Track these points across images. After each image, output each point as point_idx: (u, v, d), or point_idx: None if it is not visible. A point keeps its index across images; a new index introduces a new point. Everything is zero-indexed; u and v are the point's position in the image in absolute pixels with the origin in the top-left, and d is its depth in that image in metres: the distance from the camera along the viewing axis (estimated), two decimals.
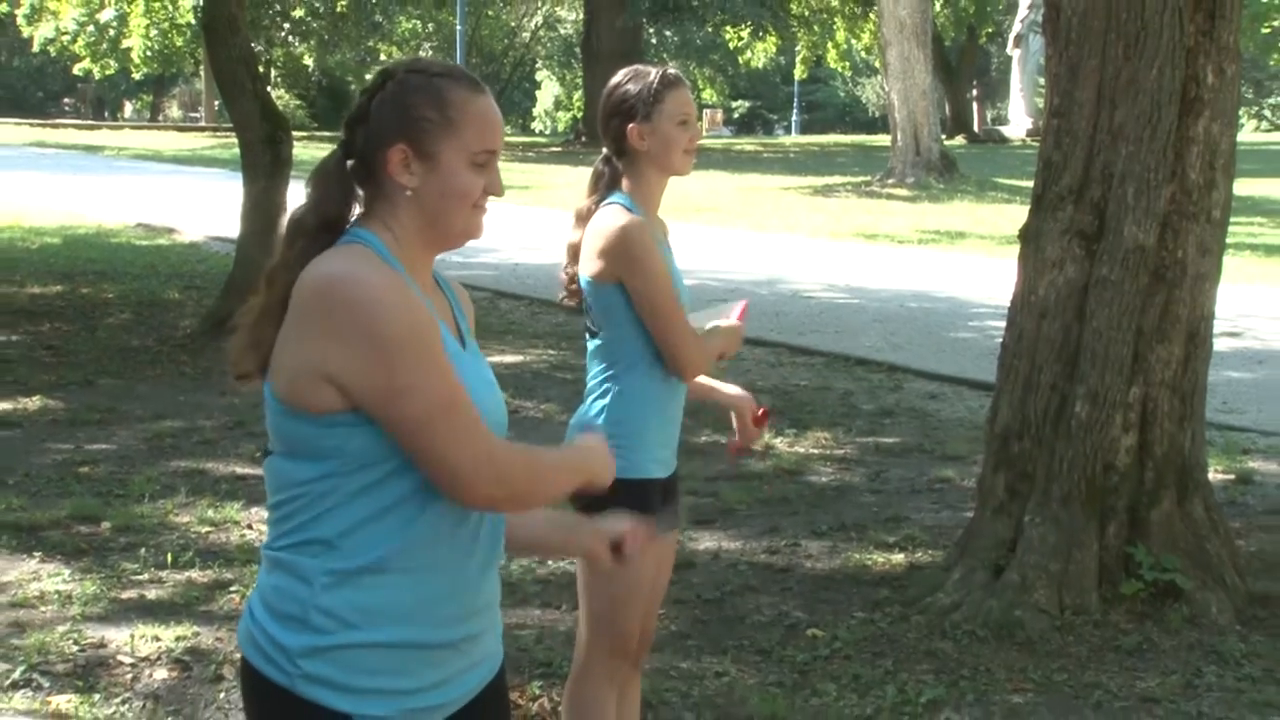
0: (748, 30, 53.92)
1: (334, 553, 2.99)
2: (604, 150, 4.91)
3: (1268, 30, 53.10)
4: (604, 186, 4.84)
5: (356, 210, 3.19)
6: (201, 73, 53.09)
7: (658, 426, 4.81)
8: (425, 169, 3.09)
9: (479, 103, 3.14)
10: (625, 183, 4.81)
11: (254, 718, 3.19)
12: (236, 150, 15.34)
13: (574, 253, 4.88)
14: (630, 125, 4.76)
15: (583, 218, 4.86)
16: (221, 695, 6.45)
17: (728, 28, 54.51)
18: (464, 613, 3.12)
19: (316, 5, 47.76)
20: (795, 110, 71.81)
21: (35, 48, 50.01)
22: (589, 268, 4.78)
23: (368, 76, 57.84)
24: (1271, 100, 69.54)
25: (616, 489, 4.41)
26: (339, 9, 48.05)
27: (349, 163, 3.15)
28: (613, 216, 4.73)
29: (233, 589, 7.53)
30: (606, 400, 4.76)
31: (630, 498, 4.44)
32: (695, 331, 4.79)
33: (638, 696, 5.16)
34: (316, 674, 2.97)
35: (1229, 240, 7.68)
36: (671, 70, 4.99)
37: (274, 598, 3.08)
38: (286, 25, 48.21)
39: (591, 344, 4.83)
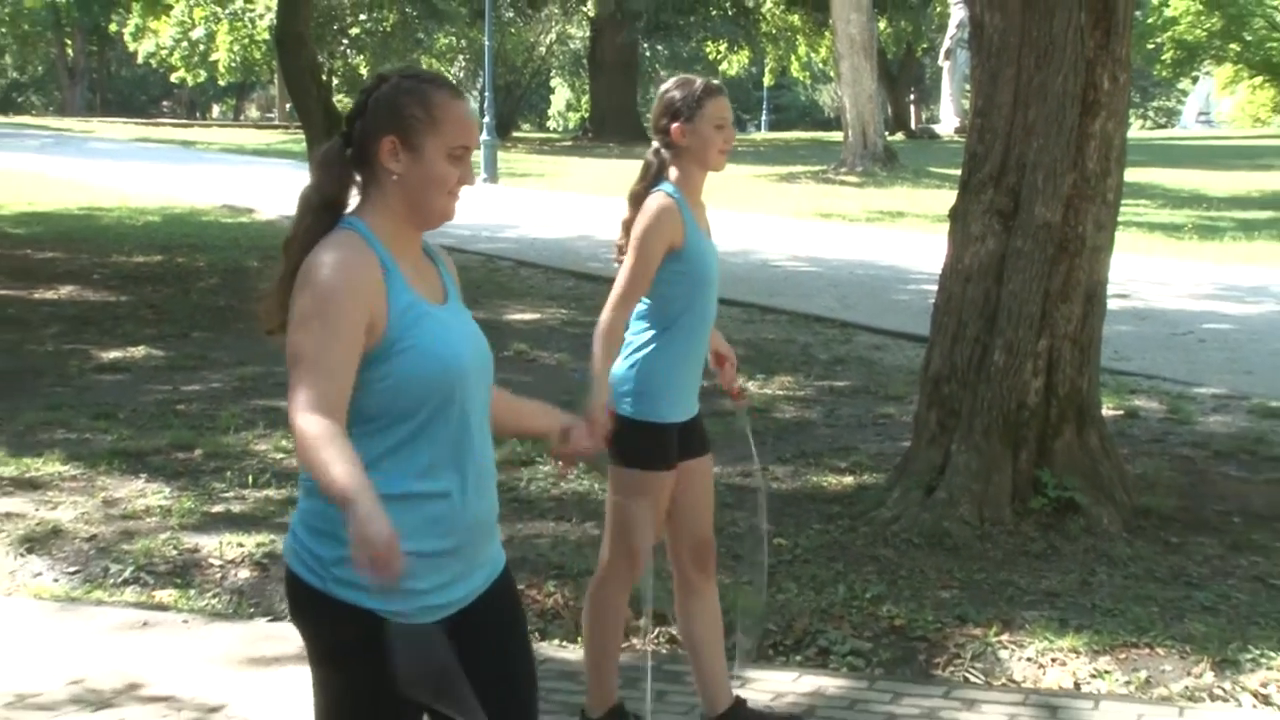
0: (725, 45, 54.00)
1: None
2: (654, 144, 4.88)
3: (1151, 46, 53.09)
4: (653, 175, 4.81)
5: (354, 194, 3.23)
6: (275, 80, 52.89)
7: (680, 381, 4.82)
8: (410, 159, 3.13)
9: (458, 106, 3.20)
10: (672, 172, 4.79)
11: (297, 618, 3.26)
12: (303, 143, 15.32)
13: (626, 228, 4.82)
14: (675, 124, 4.75)
15: (633, 200, 4.82)
16: None
17: (708, 43, 54.54)
18: (459, 528, 3.17)
19: (369, 24, 47.74)
20: (764, 111, 71.66)
21: (139, 60, 49.96)
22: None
23: None
24: (1155, 103, 69.40)
25: (637, 429, 4.47)
26: (387, 28, 48.01)
27: (348, 151, 3.19)
28: (656, 200, 4.72)
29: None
30: (641, 354, 4.75)
31: (649, 438, 4.64)
32: (622, 317, 4.77)
33: (716, 604, 5.13)
34: (346, 578, 3.00)
35: (1120, 218, 7.69)
36: (715, 81, 4.99)
37: (310, 517, 3.14)
38: (345, 40, 48.09)
39: (639, 306, 4.79)
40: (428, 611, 3.13)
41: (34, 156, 33.86)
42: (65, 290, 15.38)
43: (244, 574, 6.65)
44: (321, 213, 3.20)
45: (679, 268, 4.74)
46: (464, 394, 3.22)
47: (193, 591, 6.52)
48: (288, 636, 6.02)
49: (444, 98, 3.18)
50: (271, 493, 7.79)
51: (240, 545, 6.87)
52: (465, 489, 3.19)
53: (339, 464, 2.89)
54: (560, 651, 5.91)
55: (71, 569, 6.78)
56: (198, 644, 5.94)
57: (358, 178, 3.21)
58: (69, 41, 66.17)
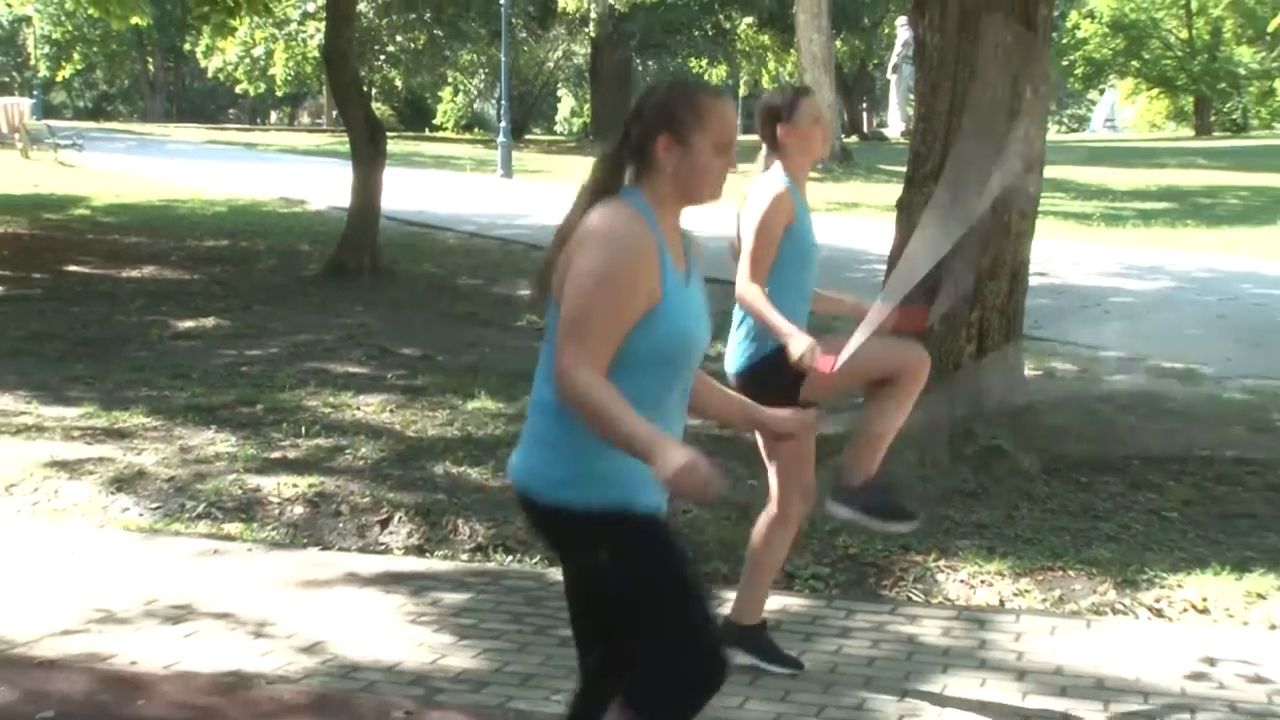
0: (706, 60, 53.97)
1: None
2: (763, 146, 4.87)
3: (1065, 63, 53.05)
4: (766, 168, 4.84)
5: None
6: (324, 91, 52.74)
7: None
8: (682, 153, 3.11)
9: (720, 106, 3.19)
10: (780, 164, 4.77)
11: (578, 536, 3.23)
12: (347, 145, 15.27)
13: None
14: (780, 126, 4.75)
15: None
16: (340, 524, 6.47)
17: (692, 59, 54.53)
18: None
19: (404, 43, 47.71)
20: (740, 116, 71.63)
21: (209, 74, 49.89)
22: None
23: (440, 92, 58.62)
24: (1068, 111, 69.36)
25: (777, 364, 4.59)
26: (419, 47, 47.97)
27: (624, 149, 3.17)
28: (774, 187, 4.70)
29: (347, 451, 7.54)
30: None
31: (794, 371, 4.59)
32: (754, 278, 4.70)
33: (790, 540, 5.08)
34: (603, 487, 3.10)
35: (1039, 209, 7.67)
36: (804, 86, 4.99)
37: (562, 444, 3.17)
38: (382, 56, 48.01)
39: None
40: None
41: (121, 156, 33.83)
42: (147, 270, 15.35)
43: (298, 510, 6.63)
44: (596, 199, 3.15)
45: (792, 242, 4.71)
46: (687, 366, 3.19)
47: (255, 525, 6.52)
48: (334, 563, 6.06)
49: (709, 100, 3.18)
50: (321, 441, 7.75)
51: (295, 485, 6.84)
52: (674, 425, 3.18)
53: (630, 418, 2.90)
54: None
55: (153, 505, 6.77)
56: (258, 569, 5.95)
57: (629, 170, 3.17)
58: (150, 59, 66.34)
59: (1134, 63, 57.20)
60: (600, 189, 3.14)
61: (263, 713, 4.50)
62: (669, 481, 2.83)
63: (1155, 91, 61.21)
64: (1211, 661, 4.95)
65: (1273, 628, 5.32)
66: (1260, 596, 5.49)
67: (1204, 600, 5.48)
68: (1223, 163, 35.50)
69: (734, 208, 4.88)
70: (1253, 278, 15.36)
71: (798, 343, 4.53)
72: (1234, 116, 58.89)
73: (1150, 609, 5.47)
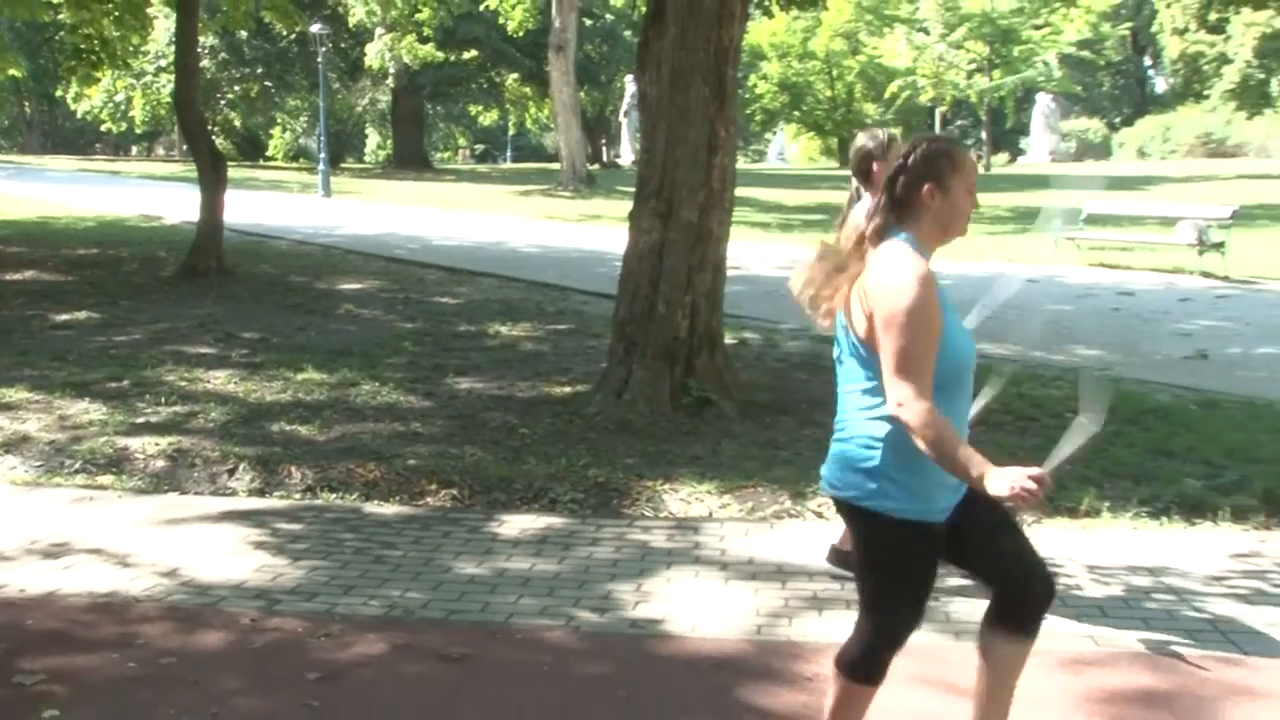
0: (482, 106, 53.57)
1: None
2: (853, 180, 4.77)
3: (748, 111, 54.11)
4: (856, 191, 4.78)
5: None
6: (176, 128, 50.35)
7: None
8: (943, 198, 2.92)
9: (968, 158, 3.01)
10: (870, 195, 4.57)
11: (879, 537, 3.00)
12: (195, 172, 14.56)
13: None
14: (875, 162, 4.61)
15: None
16: (195, 474, 6.16)
17: (471, 105, 54.05)
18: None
19: (240, 91, 45.92)
20: (509, 149, 71.05)
21: (79, 115, 46.99)
22: None
23: (272, 130, 56.68)
24: (752, 146, 70.69)
25: None
26: (253, 95, 46.27)
27: (889, 199, 2.97)
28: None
29: (199, 415, 7.18)
30: None
31: None
32: None
33: None
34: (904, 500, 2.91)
35: (733, 219, 7.74)
36: (893, 133, 4.81)
37: (893, 467, 2.93)
38: (223, 101, 46.09)
39: None
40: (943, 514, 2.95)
41: (3, 181, 31.80)
42: (28, 274, 14.37)
43: (160, 463, 6.26)
44: (875, 241, 2.95)
45: None
46: (969, 380, 2.98)
47: (124, 476, 6.13)
48: (190, 505, 5.76)
49: (961, 152, 3.00)
50: (178, 408, 7.36)
51: (157, 444, 6.46)
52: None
53: (963, 449, 2.74)
54: (379, 509, 5.72)
55: (36, 464, 6.31)
56: (126, 512, 5.61)
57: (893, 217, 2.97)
58: (27, 102, 62.39)
59: (796, 112, 58.65)
60: (876, 235, 2.95)
61: (132, 625, 4.25)
62: (1003, 496, 2.69)
63: (811, 134, 62.97)
64: None
65: None
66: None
67: None
68: None
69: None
70: None
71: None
72: None
73: (815, 513, 5.56)
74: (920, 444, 2.77)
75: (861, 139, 4.76)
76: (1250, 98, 38.31)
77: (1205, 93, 40.37)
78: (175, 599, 4.52)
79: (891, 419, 2.82)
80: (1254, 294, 13.62)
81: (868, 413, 2.92)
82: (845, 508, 3.04)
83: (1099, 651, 4.06)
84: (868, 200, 4.59)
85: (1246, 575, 4.79)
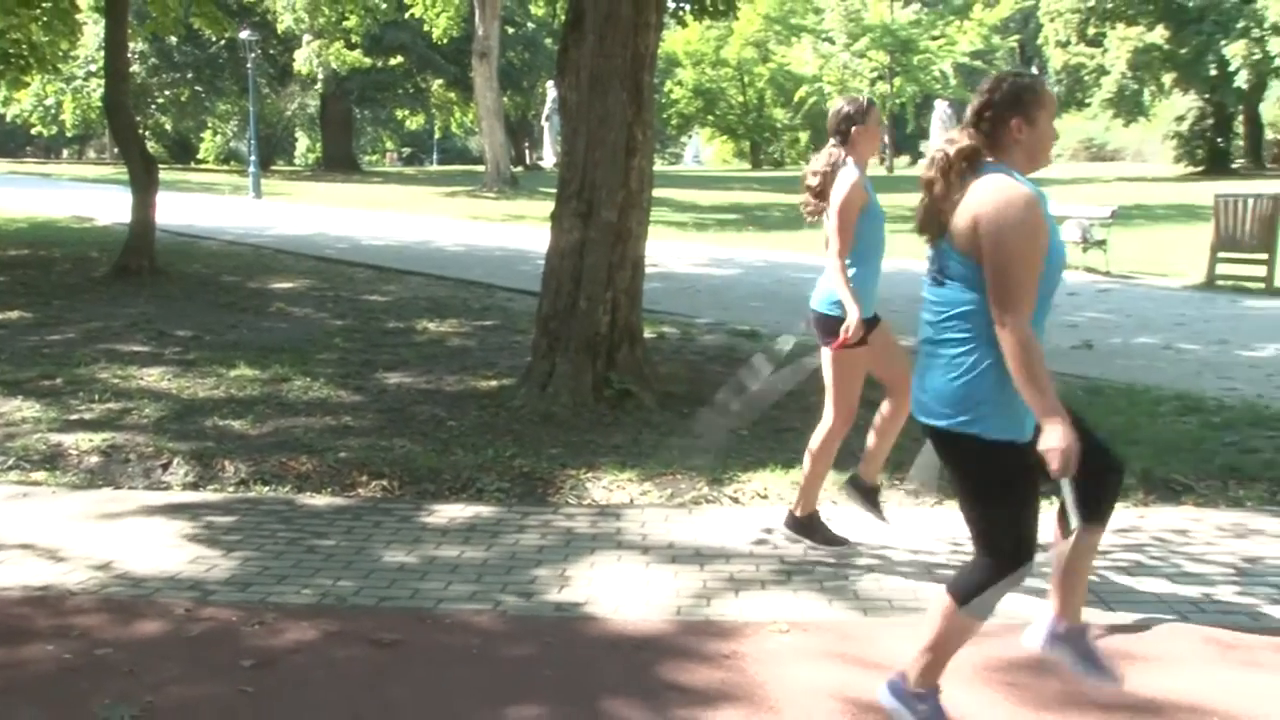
0: (408, 111, 52.97)
1: None
2: (831, 140, 4.59)
3: (664, 116, 54.14)
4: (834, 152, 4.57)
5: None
6: (107, 132, 49.13)
7: (868, 292, 4.63)
8: (1030, 130, 2.96)
9: (1049, 92, 3.03)
10: (850, 158, 4.52)
11: (977, 457, 3.02)
12: (126, 175, 14.19)
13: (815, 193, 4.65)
14: (854, 126, 4.51)
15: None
16: (129, 469, 6.01)
17: (397, 110, 53.42)
18: None
19: (171, 95, 44.88)
20: (435, 152, 70.36)
21: (9, 119, 45.48)
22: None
23: (203, 133, 55.52)
24: (669, 149, 70.81)
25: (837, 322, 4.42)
26: (184, 100, 45.25)
27: (976, 131, 2.99)
28: (848, 174, 4.47)
29: (133, 412, 7.01)
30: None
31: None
32: (842, 253, 4.46)
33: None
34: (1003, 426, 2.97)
35: (651, 218, 7.75)
36: (871, 97, 4.71)
37: (985, 394, 2.99)
38: (154, 106, 45.03)
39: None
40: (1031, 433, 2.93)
41: None
42: None
43: (94, 459, 6.10)
44: (965, 164, 2.95)
45: (867, 219, 4.50)
46: (1050, 300, 2.98)
47: (58, 472, 5.96)
48: (125, 499, 5.61)
49: (1042, 87, 3.02)
50: (112, 405, 7.18)
51: (91, 440, 6.29)
52: None
53: (1050, 387, 2.78)
54: (311, 501, 5.63)
55: None
56: (61, 508, 5.45)
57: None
58: None
59: (710, 117, 59.01)
60: (971, 164, 2.95)
61: (67, 618, 4.13)
62: (1050, 451, 2.72)
63: (724, 137, 63.35)
64: (769, 531, 5.10)
65: None
66: (800, 484, 5.69)
67: (765, 489, 5.64)
68: (769, 187, 36.97)
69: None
70: (792, 266, 16.01)
71: (853, 314, 4.40)
72: (775, 155, 61.41)
73: (730, 498, 5.59)
74: (1014, 363, 2.81)
75: (839, 102, 4.69)
76: (1126, 106, 39.22)
77: (1086, 101, 41.25)
78: (110, 591, 4.41)
79: (993, 340, 2.84)
80: (1132, 288, 13.98)
81: (966, 336, 2.93)
82: (941, 435, 3.04)
83: (995, 623, 4.10)
84: (850, 164, 4.54)
85: (1127, 548, 4.91)
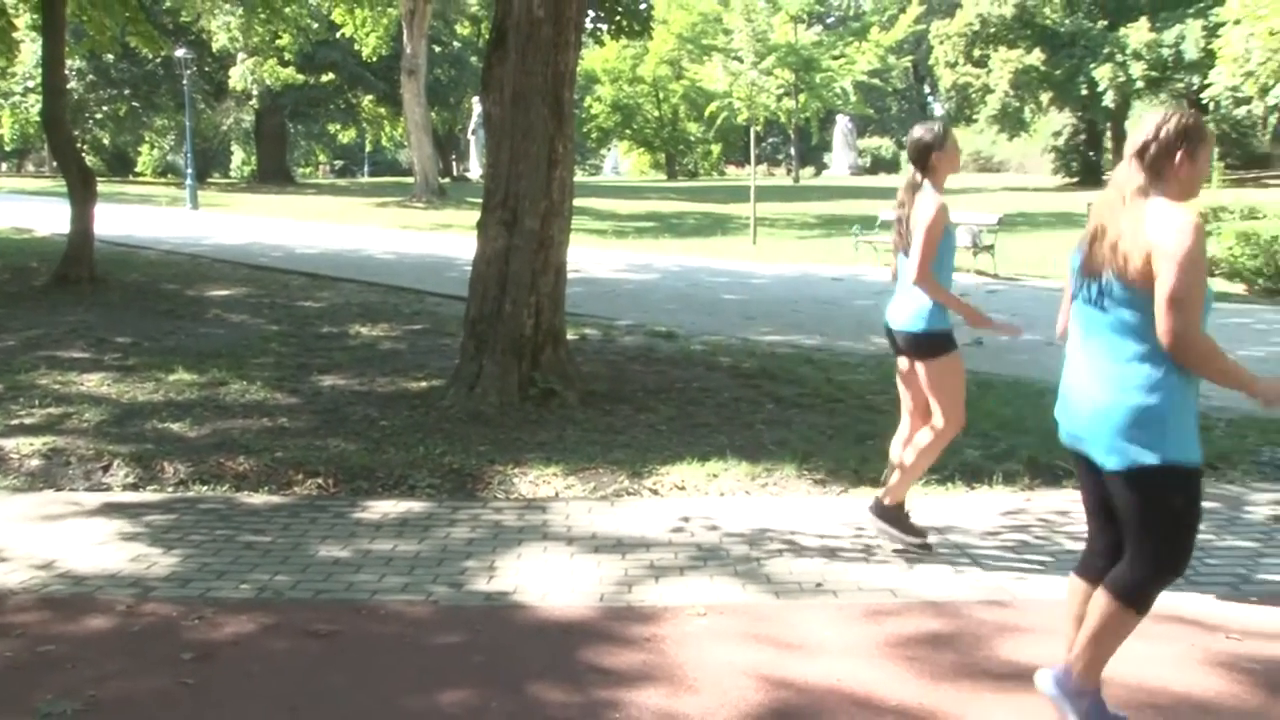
0: (339, 125, 52.13)
1: None
2: (912, 168, 4.53)
3: (584, 130, 54.05)
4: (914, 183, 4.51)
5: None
6: (46, 146, 47.56)
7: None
8: (1190, 165, 2.93)
9: (1209, 130, 3.01)
10: (929, 182, 4.47)
11: (1165, 485, 2.93)
12: (65, 188, 13.76)
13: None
14: (934, 153, 4.45)
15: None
16: (70, 471, 5.83)
17: (330, 124, 52.56)
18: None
19: (109, 111, 43.58)
20: (366, 164, 69.39)
21: None
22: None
23: (140, 147, 54.04)
24: (589, 161, 70.60)
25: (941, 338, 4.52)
26: (121, 115, 43.97)
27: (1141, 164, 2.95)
28: (932, 198, 4.41)
29: (74, 416, 6.80)
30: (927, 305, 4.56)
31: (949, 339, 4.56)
32: (927, 267, 4.39)
33: None
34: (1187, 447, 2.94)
35: (572, 226, 7.73)
36: (943, 125, 4.61)
37: (1171, 417, 2.93)
38: (92, 121, 43.71)
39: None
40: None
41: None
42: None
43: (35, 462, 5.90)
44: (1140, 196, 2.90)
45: (947, 239, 4.47)
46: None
47: (0, 476, 5.78)
48: (66, 501, 5.44)
49: (1205, 125, 2.99)
50: (52, 410, 6.95)
51: (32, 444, 6.08)
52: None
53: (1236, 364, 2.82)
54: (249, 499, 5.51)
55: None
56: (2, 510, 5.27)
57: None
58: None
59: (627, 130, 59.02)
60: (1142, 194, 2.90)
61: (8, 616, 3.99)
62: (1271, 400, 2.83)
63: (641, 149, 63.40)
64: (687, 519, 5.12)
65: (721, 495, 5.53)
66: (714, 476, 5.70)
67: (682, 481, 5.65)
68: (683, 196, 37.16)
69: (892, 213, 4.63)
70: (706, 270, 16.12)
71: (1002, 324, 4.41)
72: (689, 166, 61.65)
73: (650, 490, 5.58)
74: (1198, 365, 2.83)
75: (918, 131, 4.60)
76: (1009, 122, 40.21)
77: (974, 117, 42.16)
78: (52, 590, 4.26)
79: (1167, 356, 2.82)
80: (1019, 289, 14.29)
81: (1139, 359, 2.88)
82: (1128, 475, 2.93)
83: (896, 602, 4.19)
84: (928, 187, 4.49)
85: (1015, 530, 5.01)
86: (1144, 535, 2.97)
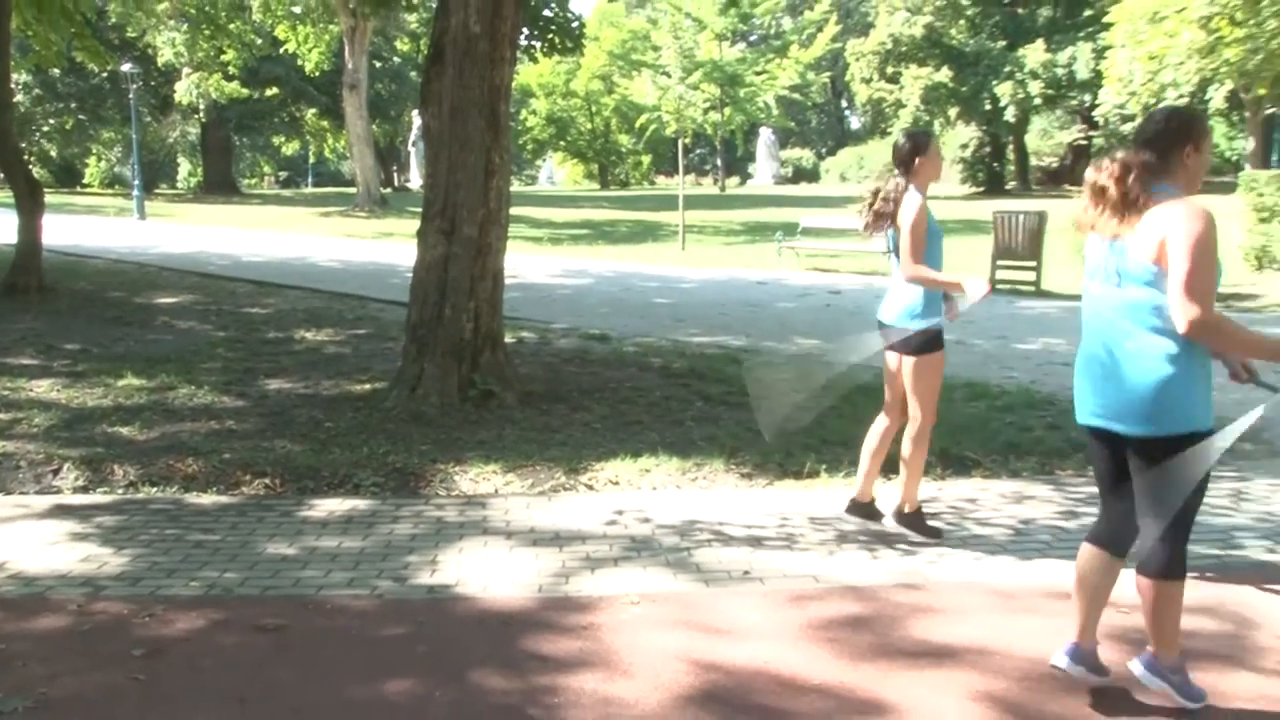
0: (284, 137, 51.28)
1: None
2: (896, 169, 4.54)
3: (520, 142, 53.84)
4: (899, 181, 4.52)
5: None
6: None
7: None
8: (1196, 157, 2.98)
9: (1208, 123, 3.04)
10: (913, 184, 4.47)
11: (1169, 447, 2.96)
12: (12, 198, 13.35)
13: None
14: (918, 158, 4.45)
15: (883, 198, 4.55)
16: (20, 475, 5.66)
17: (274, 136, 51.67)
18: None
19: (56, 124, 42.37)
20: (310, 175, 68.27)
21: None
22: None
23: (88, 159, 52.61)
24: (525, 172, 70.21)
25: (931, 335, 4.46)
26: (68, 128, 42.79)
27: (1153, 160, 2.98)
28: (914, 199, 4.44)
29: (23, 421, 6.61)
30: (921, 300, 4.56)
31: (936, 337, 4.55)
32: (916, 261, 4.39)
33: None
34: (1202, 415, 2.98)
35: (509, 234, 7.69)
36: (928, 133, 4.61)
37: (1188, 386, 2.98)
38: (39, 134, 42.48)
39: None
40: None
41: None
42: None
43: None
44: (1147, 184, 2.92)
45: (931, 236, 4.46)
46: None
47: None
48: (15, 504, 5.28)
49: (1206, 121, 3.02)
50: (1, 415, 6.75)
51: None
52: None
53: (1254, 334, 2.88)
54: (198, 500, 5.40)
55: None
56: None
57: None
58: None
59: (562, 142, 58.87)
60: (1146, 188, 2.92)
61: None
62: None
63: (575, 161, 63.29)
64: (620, 513, 5.12)
65: (653, 489, 5.55)
66: (646, 471, 5.72)
67: (616, 477, 5.66)
68: (616, 205, 37.14)
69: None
70: (637, 275, 16.15)
71: (972, 284, 4.29)
72: (621, 176, 61.71)
73: (586, 485, 5.57)
74: (1216, 340, 2.86)
75: (902, 137, 4.63)
76: None
77: (889, 130, 42.81)
78: (3, 590, 4.14)
79: (1184, 335, 2.84)
80: None
81: (1158, 333, 2.91)
82: (1150, 442, 2.96)
83: (818, 588, 4.24)
84: (912, 189, 4.51)
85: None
86: (1161, 502, 2.98)
